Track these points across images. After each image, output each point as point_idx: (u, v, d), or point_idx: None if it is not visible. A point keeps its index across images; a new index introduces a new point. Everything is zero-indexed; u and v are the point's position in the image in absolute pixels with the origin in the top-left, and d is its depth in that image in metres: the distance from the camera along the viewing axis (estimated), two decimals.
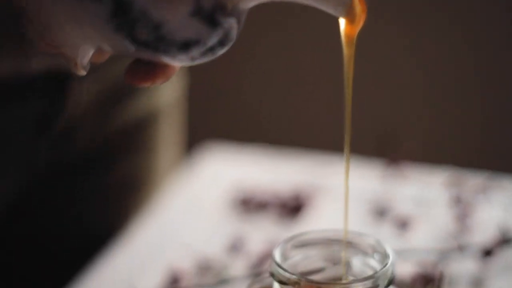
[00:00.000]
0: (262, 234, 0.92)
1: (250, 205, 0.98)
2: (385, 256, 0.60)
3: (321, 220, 0.95)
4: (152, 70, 0.53)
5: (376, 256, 0.61)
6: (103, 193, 0.96)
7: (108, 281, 0.84)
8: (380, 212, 0.94)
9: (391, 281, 0.59)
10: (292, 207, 0.97)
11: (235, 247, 0.88)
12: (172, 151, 1.08)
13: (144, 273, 0.85)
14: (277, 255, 0.60)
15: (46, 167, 0.90)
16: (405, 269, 0.81)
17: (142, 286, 0.80)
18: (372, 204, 0.95)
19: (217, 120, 1.86)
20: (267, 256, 0.84)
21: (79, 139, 0.92)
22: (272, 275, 0.59)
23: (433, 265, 0.82)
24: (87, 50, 0.52)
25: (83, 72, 0.54)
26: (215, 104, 1.86)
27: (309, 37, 1.81)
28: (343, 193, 0.61)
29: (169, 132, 1.05)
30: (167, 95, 1.03)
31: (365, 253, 0.62)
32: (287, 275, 0.58)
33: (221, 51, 0.53)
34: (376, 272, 0.59)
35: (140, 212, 1.00)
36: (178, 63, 0.53)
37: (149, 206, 1.01)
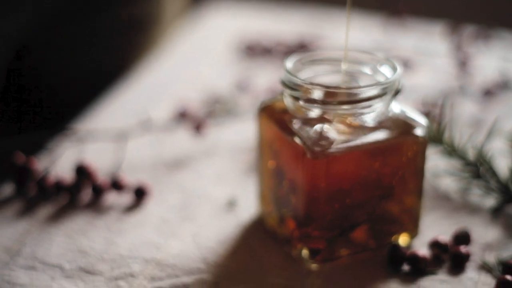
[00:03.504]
0: (267, 75, 0.94)
1: (255, 50, 1.00)
2: (393, 68, 0.62)
3: None
4: None
5: (385, 71, 0.62)
6: (114, 31, 0.97)
7: (121, 110, 0.86)
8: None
9: (398, 91, 0.61)
10: (296, 52, 0.98)
11: (241, 85, 0.90)
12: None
13: (155, 104, 0.87)
14: (289, 64, 0.62)
15: (55, 4, 0.91)
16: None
17: (154, 114, 0.82)
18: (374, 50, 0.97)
19: None
20: (272, 92, 0.86)
21: None
22: (284, 84, 0.61)
23: (435, 102, 0.84)
24: None
25: None
26: None
27: None
28: (349, 42, 0.62)
29: None
30: None
31: (374, 70, 0.63)
32: (298, 81, 0.60)
33: None
34: (383, 81, 0.61)
35: (150, 51, 1.01)
36: None
37: (158, 47, 1.02)
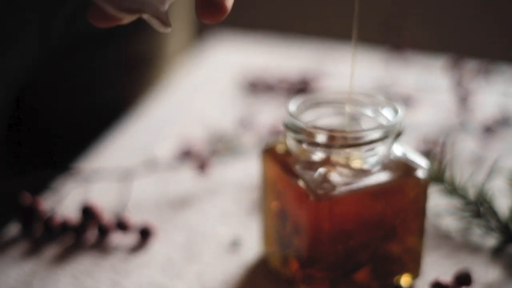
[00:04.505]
0: (270, 112, 0.95)
1: (258, 86, 1.01)
2: (395, 111, 0.63)
3: None
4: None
5: (386, 113, 0.63)
6: (117, 67, 0.98)
7: (124, 149, 0.87)
8: (384, 93, 0.96)
9: (400, 133, 0.62)
10: (298, 89, 0.99)
11: (244, 123, 0.91)
12: (183, 34, 1.09)
13: (159, 142, 0.88)
14: (291, 107, 0.63)
15: (61, 40, 0.92)
16: (408, 144, 0.84)
17: (158, 153, 0.83)
18: (375, 87, 0.98)
19: None
20: (275, 130, 0.87)
21: None
22: (286, 126, 0.62)
23: (436, 140, 0.85)
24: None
25: (169, 28, 0.53)
26: None
27: None
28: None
29: (179, 14, 1.06)
30: None
31: (375, 112, 0.64)
32: (301, 124, 0.61)
33: None
34: (385, 124, 0.62)
35: (153, 88, 1.02)
36: None
37: (161, 84, 1.03)
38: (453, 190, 0.72)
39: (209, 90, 1.03)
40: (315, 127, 0.60)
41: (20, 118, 0.96)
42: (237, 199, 0.77)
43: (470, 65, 0.97)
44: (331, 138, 0.60)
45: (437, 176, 0.73)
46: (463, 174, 0.74)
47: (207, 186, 0.80)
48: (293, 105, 0.63)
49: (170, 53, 1.05)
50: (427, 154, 0.82)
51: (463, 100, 0.93)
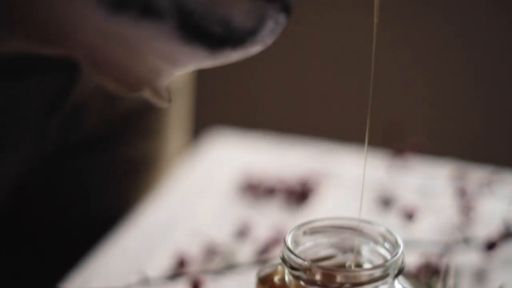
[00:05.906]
0: (269, 220, 0.93)
1: (256, 190, 0.99)
2: (395, 245, 0.61)
3: (327, 206, 0.96)
4: None
5: (387, 245, 0.61)
6: (111, 175, 0.97)
7: (115, 264, 0.84)
8: (386, 202, 0.94)
9: (401, 271, 0.60)
10: (299, 193, 0.97)
11: (242, 232, 0.88)
12: (179, 135, 1.08)
13: (151, 256, 0.85)
14: (289, 241, 0.61)
15: (54, 147, 0.91)
16: (411, 260, 0.82)
17: (149, 269, 0.80)
18: (377, 194, 0.96)
19: (224, 106, 1.87)
20: (274, 242, 0.84)
21: (88, 120, 0.93)
22: (284, 261, 0.60)
23: (438, 256, 0.83)
24: (164, 75, 0.51)
25: (167, 103, 0.53)
26: (222, 90, 1.86)
27: (316, 25, 1.81)
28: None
29: (176, 116, 1.05)
30: (175, 79, 1.03)
31: (375, 242, 0.62)
32: (299, 261, 0.59)
33: (284, 22, 0.53)
34: (386, 261, 0.59)
35: (147, 195, 1.00)
36: (252, 51, 0.53)
37: (156, 190, 1.01)
38: None
39: (205, 196, 1.00)
40: (313, 265, 0.58)
41: (8, 231, 0.94)
42: None
43: (475, 174, 0.96)
44: (330, 276, 0.58)
45: None
46: None
47: None
48: (291, 237, 0.61)
49: (166, 157, 1.04)
50: (429, 273, 0.80)
51: (467, 211, 0.91)
